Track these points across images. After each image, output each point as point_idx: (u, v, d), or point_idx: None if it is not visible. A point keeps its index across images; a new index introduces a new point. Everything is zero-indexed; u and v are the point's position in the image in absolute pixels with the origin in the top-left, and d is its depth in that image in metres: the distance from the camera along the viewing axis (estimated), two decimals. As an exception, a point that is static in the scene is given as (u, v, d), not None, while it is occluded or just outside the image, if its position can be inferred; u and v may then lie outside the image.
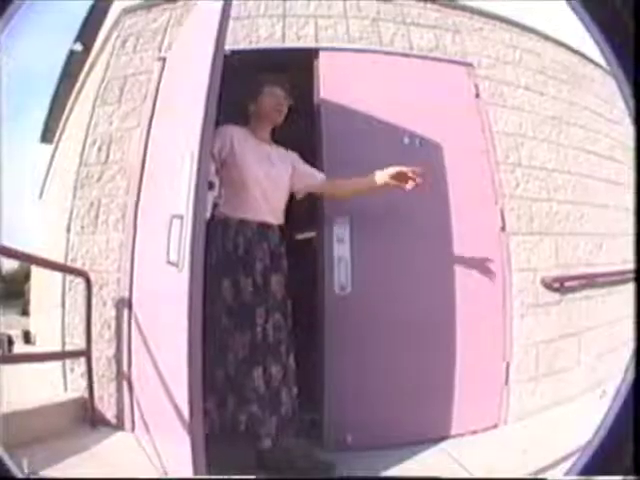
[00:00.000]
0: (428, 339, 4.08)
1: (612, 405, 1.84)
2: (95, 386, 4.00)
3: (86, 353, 4.00)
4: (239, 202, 3.53)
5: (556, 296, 4.56)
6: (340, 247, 4.04)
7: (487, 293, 4.33)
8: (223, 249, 3.46)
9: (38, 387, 4.30)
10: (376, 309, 4.04)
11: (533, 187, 4.72)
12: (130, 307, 3.97)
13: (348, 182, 3.90)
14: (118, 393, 4.00)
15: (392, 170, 3.74)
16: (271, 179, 3.65)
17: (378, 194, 3.93)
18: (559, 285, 4.59)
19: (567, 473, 1.96)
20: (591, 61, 5.52)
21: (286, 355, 3.48)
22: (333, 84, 4.39)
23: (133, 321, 3.87)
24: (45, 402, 3.85)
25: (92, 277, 4.07)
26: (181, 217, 2.73)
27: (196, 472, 2.52)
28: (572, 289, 4.67)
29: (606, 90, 5.54)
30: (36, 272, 5.83)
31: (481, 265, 4.32)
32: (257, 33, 4.68)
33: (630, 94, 1.82)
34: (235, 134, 3.61)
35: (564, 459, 2.72)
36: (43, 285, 5.16)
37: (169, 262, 2.81)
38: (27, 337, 6.07)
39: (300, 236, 5.36)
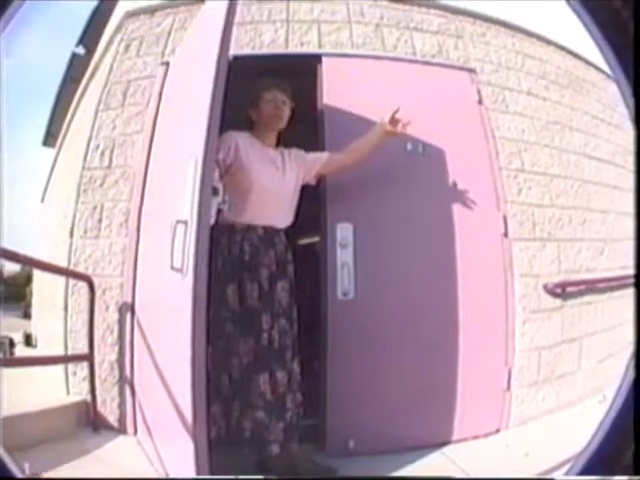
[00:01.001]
0: (430, 344, 4.09)
1: (612, 405, 1.85)
2: (97, 390, 4.01)
3: (89, 357, 4.00)
4: (244, 208, 3.51)
5: (558, 302, 4.56)
6: (343, 252, 4.04)
7: (489, 299, 4.34)
8: (229, 255, 3.45)
9: (40, 390, 4.29)
10: (379, 315, 4.05)
11: (536, 193, 4.72)
12: (133, 312, 3.98)
13: (352, 146, 3.93)
14: (120, 397, 4.01)
15: (388, 116, 3.86)
16: (277, 184, 3.64)
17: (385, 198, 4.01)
18: (561, 291, 4.58)
19: (568, 472, 1.97)
20: (592, 65, 5.53)
21: (291, 361, 3.47)
22: (336, 90, 4.39)
23: (136, 326, 3.89)
24: (47, 405, 3.86)
25: (95, 281, 4.07)
26: (185, 223, 2.73)
27: (201, 473, 2.54)
28: (574, 294, 4.67)
29: (607, 95, 5.55)
30: (38, 275, 5.83)
31: (483, 271, 4.33)
32: (260, 38, 4.69)
33: (630, 94, 1.83)
34: (240, 140, 3.59)
35: (565, 463, 2.72)
36: (45, 288, 5.16)
37: (173, 268, 2.81)
38: (28, 340, 6.07)
39: (303, 241, 5.35)
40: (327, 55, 4.56)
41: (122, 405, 4.00)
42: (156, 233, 3.52)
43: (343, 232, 4.07)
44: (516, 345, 4.34)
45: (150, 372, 3.28)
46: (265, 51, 4.66)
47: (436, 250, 4.26)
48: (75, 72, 5.89)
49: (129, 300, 4.02)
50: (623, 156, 5.36)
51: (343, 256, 4.04)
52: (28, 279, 6.29)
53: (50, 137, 6.53)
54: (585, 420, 2.23)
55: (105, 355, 4.06)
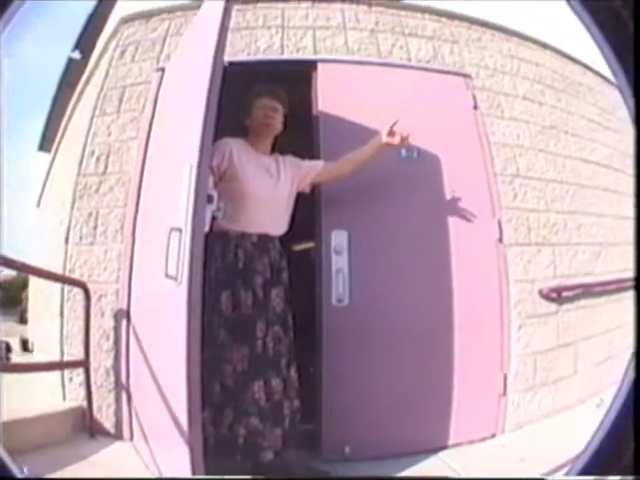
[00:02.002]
0: (426, 350, 4.09)
1: (611, 406, 1.86)
2: (94, 396, 4.01)
3: (85, 363, 4.01)
4: (239, 215, 3.53)
5: (553, 306, 4.57)
6: (338, 259, 4.04)
7: (485, 305, 4.35)
8: (223, 262, 3.47)
9: (36, 396, 4.28)
10: (374, 321, 4.05)
11: (531, 198, 4.72)
12: (129, 318, 3.98)
13: (348, 157, 3.93)
14: (117, 403, 4.02)
15: (386, 128, 3.84)
16: (271, 191, 3.66)
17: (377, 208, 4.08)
18: (556, 295, 4.58)
19: (567, 473, 1.97)
20: (589, 69, 5.53)
21: (286, 368, 3.48)
22: (331, 96, 4.39)
23: (131, 332, 3.88)
24: (44, 411, 3.87)
25: (90, 288, 4.08)
26: (180, 230, 2.73)
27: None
28: (569, 299, 4.67)
29: (604, 98, 5.55)
30: (34, 280, 5.83)
31: (479, 277, 4.34)
32: (256, 44, 4.69)
33: (630, 94, 1.83)
34: (234, 147, 3.61)
35: (562, 467, 2.72)
36: (41, 294, 5.16)
37: (167, 275, 2.81)
38: (25, 345, 6.07)
39: (297, 247, 5.34)
40: (322, 61, 4.57)
41: (118, 411, 4.00)
42: (151, 240, 3.51)
43: (338, 239, 4.07)
44: (512, 350, 4.34)
45: (145, 378, 3.28)
46: (260, 57, 4.66)
47: (431, 256, 4.27)
48: (71, 77, 5.89)
49: (124, 307, 4.03)
50: (621, 160, 5.35)
51: (338, 262, 4.04)
52: (24, 284, 6.27)
53: (46, 142, 6.52)
54: (581, 424, 2.23)
55: (101, 361, 4.06)
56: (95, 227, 4.23)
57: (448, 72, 4.84)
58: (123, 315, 4.02)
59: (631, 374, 1.82)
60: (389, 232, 4.19)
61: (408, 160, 4.28)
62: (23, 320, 6.41)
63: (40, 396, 4.30)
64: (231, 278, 3.43)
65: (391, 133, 3.83)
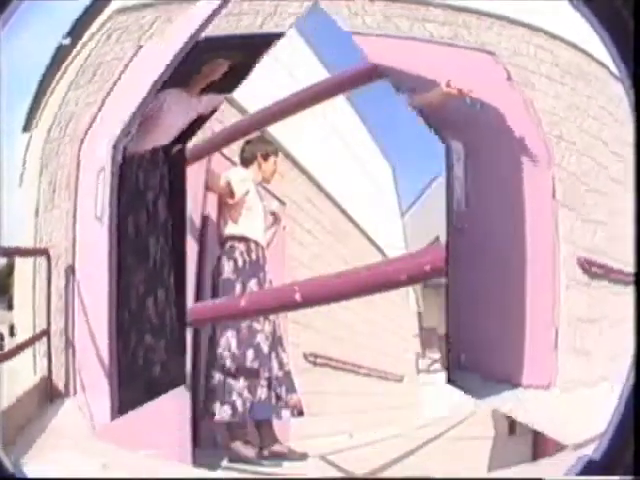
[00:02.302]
0: (512, 280, 4.32)
1: (614, 409, 1.85)
2: (53, 359, 4.02)
3: (47, 330, 4.02)
4: (144, 138, 3.66)
5: (586, 277, 4.57)
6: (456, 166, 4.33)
7: (547, 254, 4.42)
8: (128, 187, 3.56)
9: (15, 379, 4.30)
10: (483, 239, 4.39)
11: (575, 162, 4.73)
12: (74, 273, 3.98)
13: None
14: (66, 362, 3.99)
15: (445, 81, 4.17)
16: (180, 122, 3.87)
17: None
18: (588, 267, 4.57)
19: (568, 473, 2.07)
20: (594, 59, 5.45)
21: (168, 277, 3.50)
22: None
23: (75, 285, 3.90)
24: (18, 392, 3.82)
25: (52, 253, 4.09)
26: (103, 169, 2.78)
27: (113, 416, 2.82)
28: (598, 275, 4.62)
29: (609, 89, 5.47)
30: (18, 263, 5.93)
31: (537, 230, 4.43)
32: (238, 24, 4.71)
33: (630, 85, 1.86)
34: (170, 97, 3.87)
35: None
36: (23, 274, 5.23)
37: (97, 218, 2.86)
38: (12, 330, 6.13)
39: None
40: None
41: (67, 370, 3.98)
42: (88, 188, 3.57)
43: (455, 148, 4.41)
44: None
45: (83, 327, 3.31)
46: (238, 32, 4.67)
47: (508, 195, 4.45)
48: (60, 63, 6.01)
49: (71, 262, 4.02)
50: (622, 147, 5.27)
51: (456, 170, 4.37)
52: (11, 269, 6.34)
53: (29, 125, 6.64)
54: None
55: (57, 324, 4.06)
56: (54, 191, 4.26)
57: (474, 49, 4.83)
58: (70, 271, 4.01)
59: (631, 376, 1.83)
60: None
61: (473, 109, 4.45)
62: (11, 307, 6.48)
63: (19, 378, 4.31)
64: (133, 202, 3.51)
65: (449, 85, 4.09)
